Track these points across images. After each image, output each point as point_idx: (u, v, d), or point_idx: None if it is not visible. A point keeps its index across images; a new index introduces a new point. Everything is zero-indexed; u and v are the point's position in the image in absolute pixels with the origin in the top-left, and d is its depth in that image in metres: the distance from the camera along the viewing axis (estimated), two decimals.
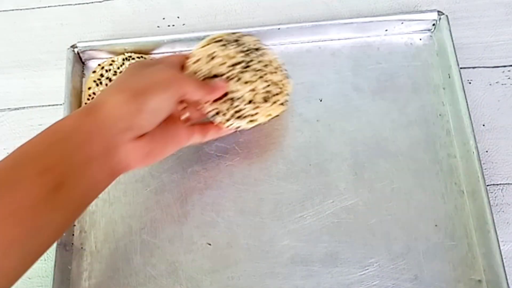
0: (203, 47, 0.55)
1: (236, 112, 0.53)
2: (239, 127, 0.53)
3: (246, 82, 0.53)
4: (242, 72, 0.53)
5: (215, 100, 0.52)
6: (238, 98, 0.53)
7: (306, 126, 0.59)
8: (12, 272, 0.37)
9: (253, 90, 0.53)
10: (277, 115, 0.55)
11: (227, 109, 0.52)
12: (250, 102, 0.53)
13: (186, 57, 0.54)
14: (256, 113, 0.53)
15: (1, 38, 0.68)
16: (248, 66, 0.54)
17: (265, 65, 0.55)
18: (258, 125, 0.55)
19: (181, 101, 0.49)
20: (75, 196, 0.40)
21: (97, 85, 0.61)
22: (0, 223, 0.36)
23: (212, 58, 0.53)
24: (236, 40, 0.56)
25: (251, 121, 0.53)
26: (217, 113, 0.52)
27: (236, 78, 0.53)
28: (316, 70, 0.61)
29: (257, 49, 0.56)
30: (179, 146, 0.50)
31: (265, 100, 0.54)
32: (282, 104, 0.55)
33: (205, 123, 0.53)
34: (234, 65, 0.53)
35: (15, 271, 0.37)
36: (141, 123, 0.44)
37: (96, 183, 0.42)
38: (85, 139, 0.41)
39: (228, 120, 0.52)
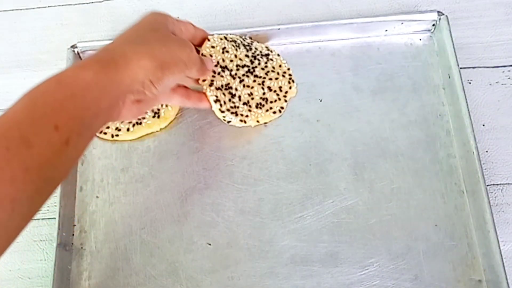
0: (220, 39, 0.58)
1: (232, 107, 0.56)
2: (230, 121, 0.56)
3: (246, 86, 0.57)
4: (245, 75, 0.58)
5: (218, 88, 0.55)
6: (237, 96, 0.56)
7: (306, 126, 0.59)
8: (13, 230, 0.36)
9: (250, 94, 0.57)
10: (265, 122, 0.58)
11: (226, 101, 0.55)
12: (245, 104, 0.57)
13: (205, 37, 0.56)
14: (247, 116, 0.56)
15: (1, 38, 0.68)
16: (251, 72, 0.58)
17: (268, 72, 0.59)
18: (247, 126, 0.57)
19: None
20: (78, 150, 0.40)
21: None
22: (14, 180, 0.34)
23: (226, 52, 0.57)
24: (248, 45, 0.60)
25: (241, 120, 0.56)
26: (218, 100, 0.55)
27: (239, 79, 0.57)
28: (316, 70, 0.61)
29: (266, 55, 0.60)
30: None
31: (259, 106, 0.57)
32: (275, 112, 0.58)
33: (189, 89, 0.55)
34: (240, 66, 0.58)
35: (17, 229, 0.36)
36: (151, 92, 0.45)
37: (93, 133, 0.42)
38: (99, 95, 0.41)
39: (223, 111, 0.55)
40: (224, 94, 0.55)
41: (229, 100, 0.56)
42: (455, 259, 0.52)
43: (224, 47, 0.57)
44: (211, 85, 0.55)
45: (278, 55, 0.61)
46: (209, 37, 0.58)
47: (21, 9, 0.70)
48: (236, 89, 0.57)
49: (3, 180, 0.34)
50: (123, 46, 0.45)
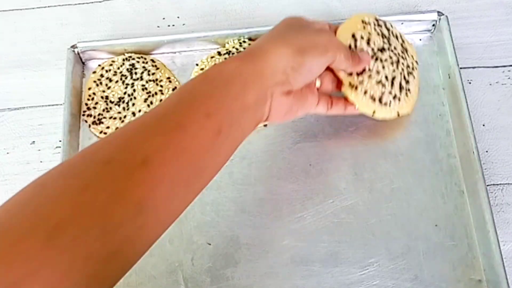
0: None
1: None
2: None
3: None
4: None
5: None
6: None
7: (306, 126, 0.58)
8: (173, 212, 0.37)
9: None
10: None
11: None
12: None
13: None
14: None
15: (1, 38, 0.68)
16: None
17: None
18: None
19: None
20: (229, 142, 0.41)
21: (97, 85, 0.61)
22: (170, 161, 0.36)
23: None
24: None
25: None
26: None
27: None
28: None
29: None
30: (307, 110, 0.50)
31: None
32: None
33: (333, 97, 0.53)
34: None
35: (176, 212, 0.38)
36: (296, 80, 0.44)
37: (245, 130, 0.43)
38: (244, 87, 0.41)
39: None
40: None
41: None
42: (455, 259, 0.52)
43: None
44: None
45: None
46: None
47: (21, 9, 0.70)
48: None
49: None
50: (260, 42, 0.46)
